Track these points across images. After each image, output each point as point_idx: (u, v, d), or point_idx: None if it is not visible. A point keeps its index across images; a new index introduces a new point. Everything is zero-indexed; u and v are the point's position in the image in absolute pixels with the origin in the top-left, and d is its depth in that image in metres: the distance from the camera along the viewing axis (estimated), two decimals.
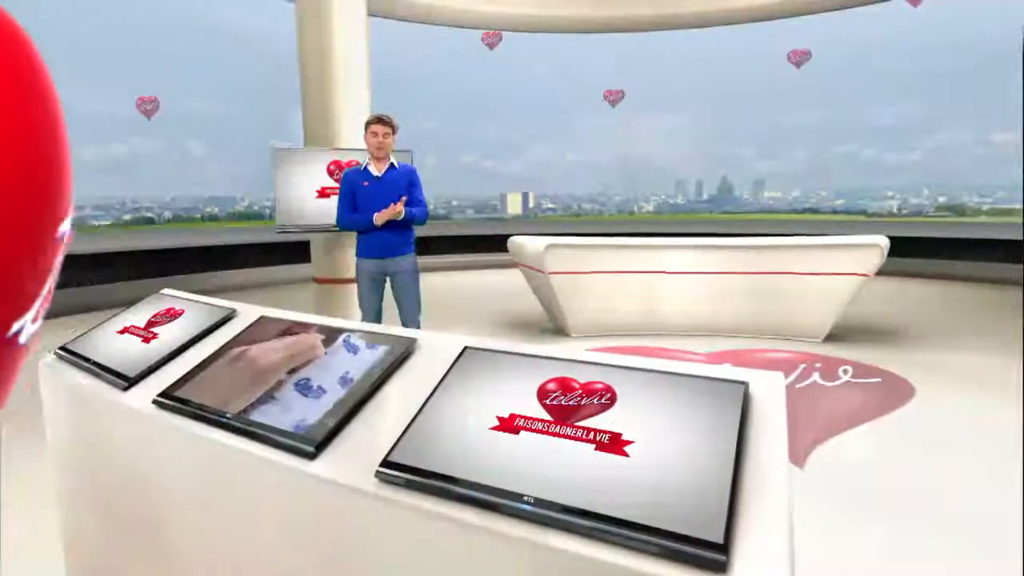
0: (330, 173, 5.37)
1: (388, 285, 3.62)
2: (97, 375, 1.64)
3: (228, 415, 1.25)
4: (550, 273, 4.88)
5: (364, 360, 1.30)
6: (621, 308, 5.08)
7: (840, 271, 4.54)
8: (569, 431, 0.99)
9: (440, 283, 7.80)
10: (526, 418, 1.03)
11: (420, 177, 3.65)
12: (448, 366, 1.23)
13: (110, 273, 7.35)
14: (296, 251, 8.86)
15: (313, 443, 1.10)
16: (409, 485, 0.98)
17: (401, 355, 1.28)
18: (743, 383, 1.00)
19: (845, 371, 3.83)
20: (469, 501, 0.92)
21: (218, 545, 1.28)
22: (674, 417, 0.97)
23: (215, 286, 7.78)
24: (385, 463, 1.02)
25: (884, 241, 4.45)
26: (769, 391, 1.00)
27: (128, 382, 1.52)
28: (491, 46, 10.87)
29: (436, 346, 1.33)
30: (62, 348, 1.87)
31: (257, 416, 1.22)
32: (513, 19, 9.80)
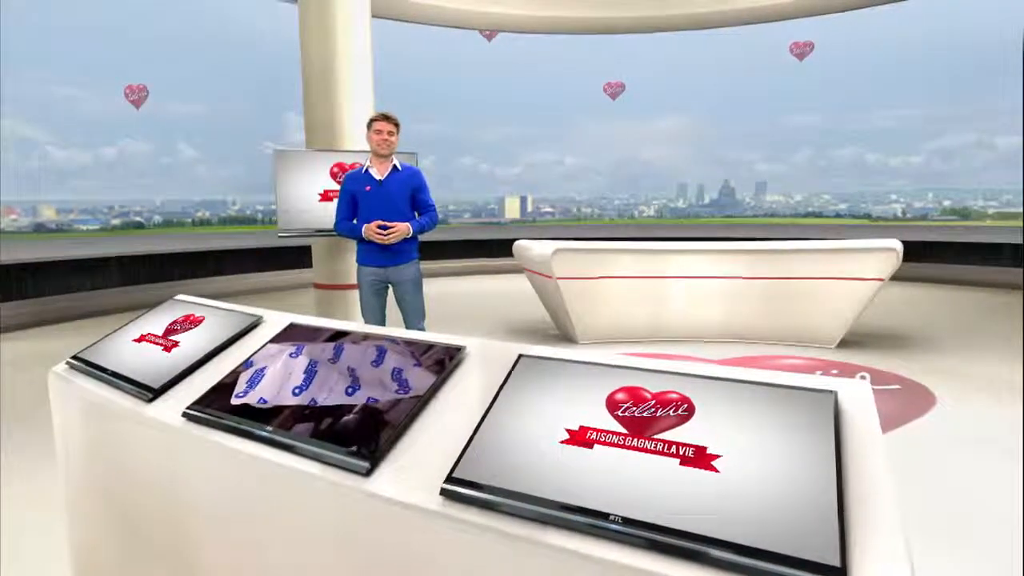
0: (333, 176, 5.29)
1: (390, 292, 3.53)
2: (116, 386, 1.56)
3: (269, 428, 1.18)
4: (558, 278, 4.82)
5: (414, 369, 1.23)
6: (631, 314, 5.03)
7: (855, 276, 4.51)
8: (648, 444, 0.93)
9: (438, 289, 7.72)
10: (598, 431, 0.97)
11: (426, 179, 3.55)
12: (500, 374, 1.17)
13: (101, 280, 7.19)
14: (292, 256, 8.75)
15: (368, 458, 1.03)
16: (478, 503, 0.91)
17: (452, 364, 1.22)
18: (831, 392, 0.95)
19: (863, 378, 3.77)
20: (548, 521, 0.86)
21: (258, 570, 1.20)
22: (761, 429, 0.92)
23: (211, 292, 7.65)
24: (450, 479, 0.95)
25: (899, 245, 4.42)
26: (858, 400, 0.94)
27: (153, 393, 1.44)
28: (489, 37, 10.83)
29: (486, 354, 1.26)
30: (75, 357, 1.79)
31: (301, 429, 1.15)
32: (513, 20, 9.78)
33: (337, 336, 1.44)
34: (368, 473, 1.02)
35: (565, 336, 5.24)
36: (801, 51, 12.28)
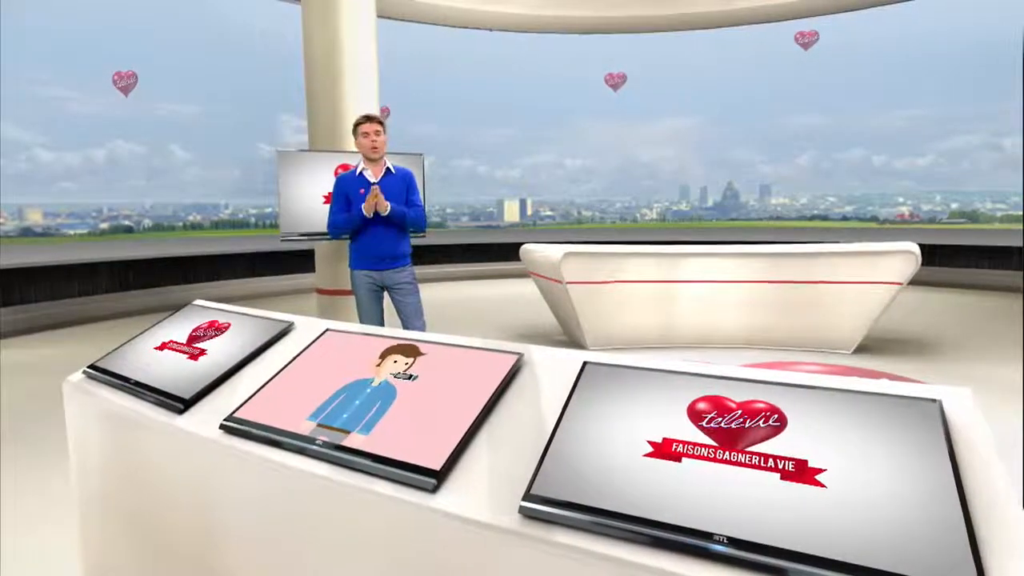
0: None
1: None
2: (142, 396, 1.49)
3: (318, 442, 1.11)
4: (567, 282, 4.75)
5: (469, 377, 1.16)
6: (642, 318, 4.97)
7: (873, 280, 4.45)
8: (742, 458, 0.87)
9: (439, 295, 7.61)
10: (684, 443, 0.92)
11: (416, 180, 3.50)
12: (564, 383, 1.11)
13: (92, 285, 7.01)
14: (291, 260, 8.63)
15: (433, 473, 0.96)
16: (563, 521, 0.85)
17: (511, 372, 1.15)
18: (935, 400, 0.90)
19: None
20: (643, 541, 0.80)
21: None
22: (864, 440, 0.86)
23: (207, 298, 7.49)
24: (529, 496, 0.89)
25: (916, 248, 4.37)
26: (965, 408, 0.89)
27: (184, 404, 1.37)
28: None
29: (545, 360, 1.20)
30: (92, 367, 1.71)
31: (353, 443, 1.09)
32: (514, 19, 9.75)
33: (378, 342, 1.37)
34: (435, 489, 0.95)
35: (574, 341, 5.18)
36: (807, 41, 12.11)
